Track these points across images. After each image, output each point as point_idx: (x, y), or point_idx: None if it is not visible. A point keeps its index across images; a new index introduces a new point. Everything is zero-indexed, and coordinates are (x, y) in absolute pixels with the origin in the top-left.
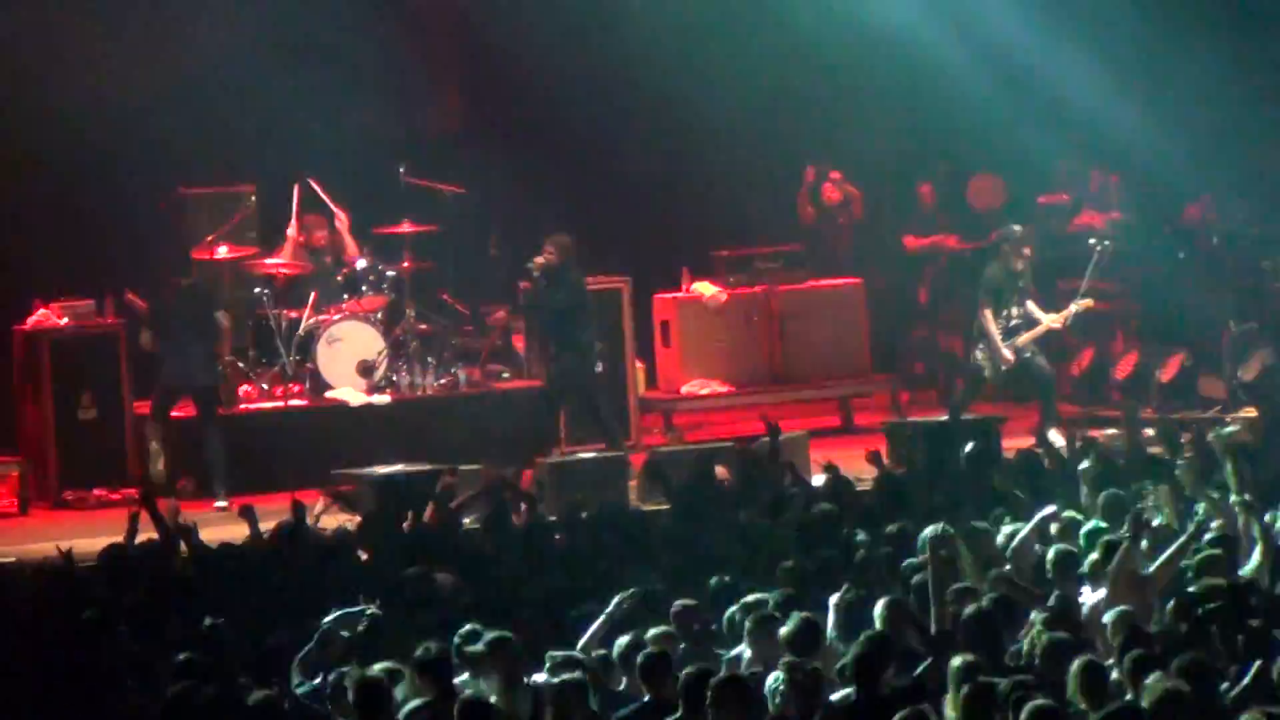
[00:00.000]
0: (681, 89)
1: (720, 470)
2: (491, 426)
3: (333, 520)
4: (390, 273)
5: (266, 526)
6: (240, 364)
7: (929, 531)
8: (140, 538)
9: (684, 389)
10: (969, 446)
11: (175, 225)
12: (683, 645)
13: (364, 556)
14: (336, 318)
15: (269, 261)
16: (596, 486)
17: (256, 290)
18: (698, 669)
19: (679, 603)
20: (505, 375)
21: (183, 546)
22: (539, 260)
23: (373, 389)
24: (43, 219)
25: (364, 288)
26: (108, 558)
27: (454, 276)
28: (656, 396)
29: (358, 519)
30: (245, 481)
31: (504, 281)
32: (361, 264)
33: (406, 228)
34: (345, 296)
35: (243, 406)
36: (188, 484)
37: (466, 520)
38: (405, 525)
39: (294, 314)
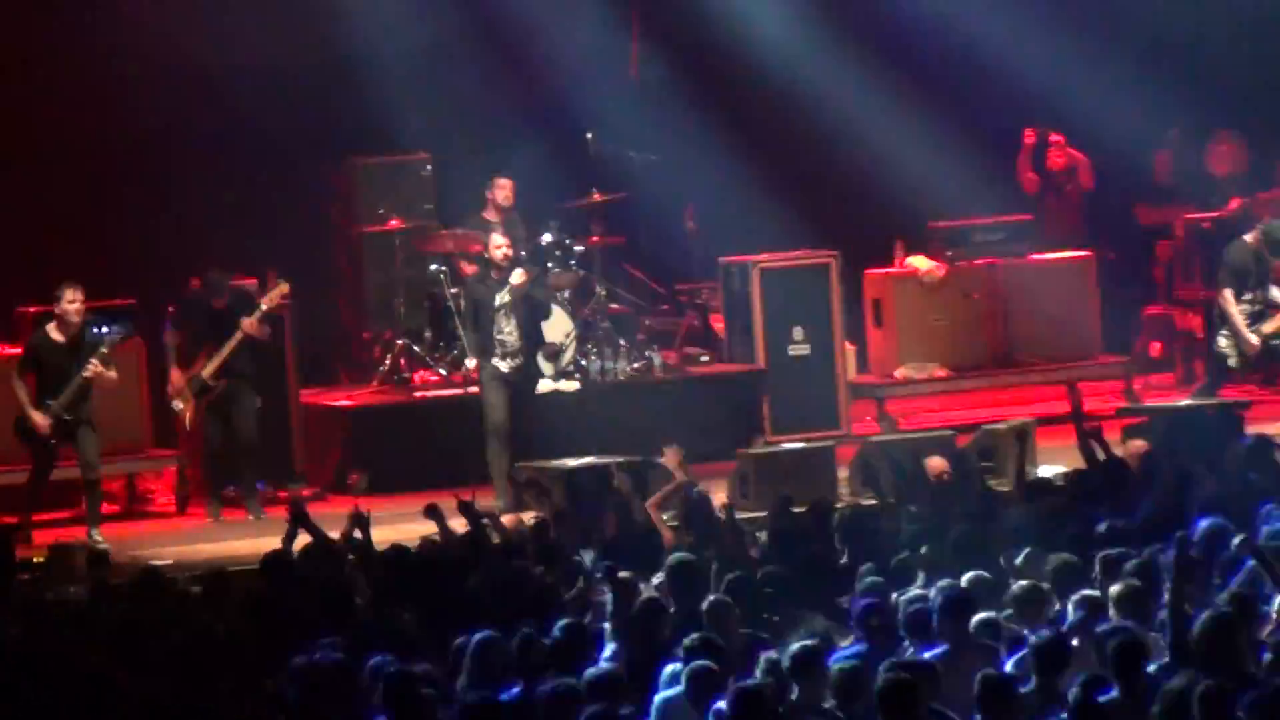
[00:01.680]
0: (892, 42)
1: (938, 462)
2: (689, 415)
3: (514, 518)
4: (578, 248)
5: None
6: (415, 348)
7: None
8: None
9: (898, 373)
10: (1246, 439)
11: (345, 197)
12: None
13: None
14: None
15: (446, 234)
16: (803, 480)
17: (433, 268)
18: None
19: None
20: (704, 359)
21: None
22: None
23: (559, 374)
24: (204, 192)
25: (550, 264)
26: (270, 566)
27: (647, 251)
28: (868, 381)
29: (538, 516)
30: (424, 475)
31: (702, 256)
32: (547, 238)
33: (595, 198)
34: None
35: (419, 394)
36: (360, 479)
37: (665, 516)
38: (604, 525)
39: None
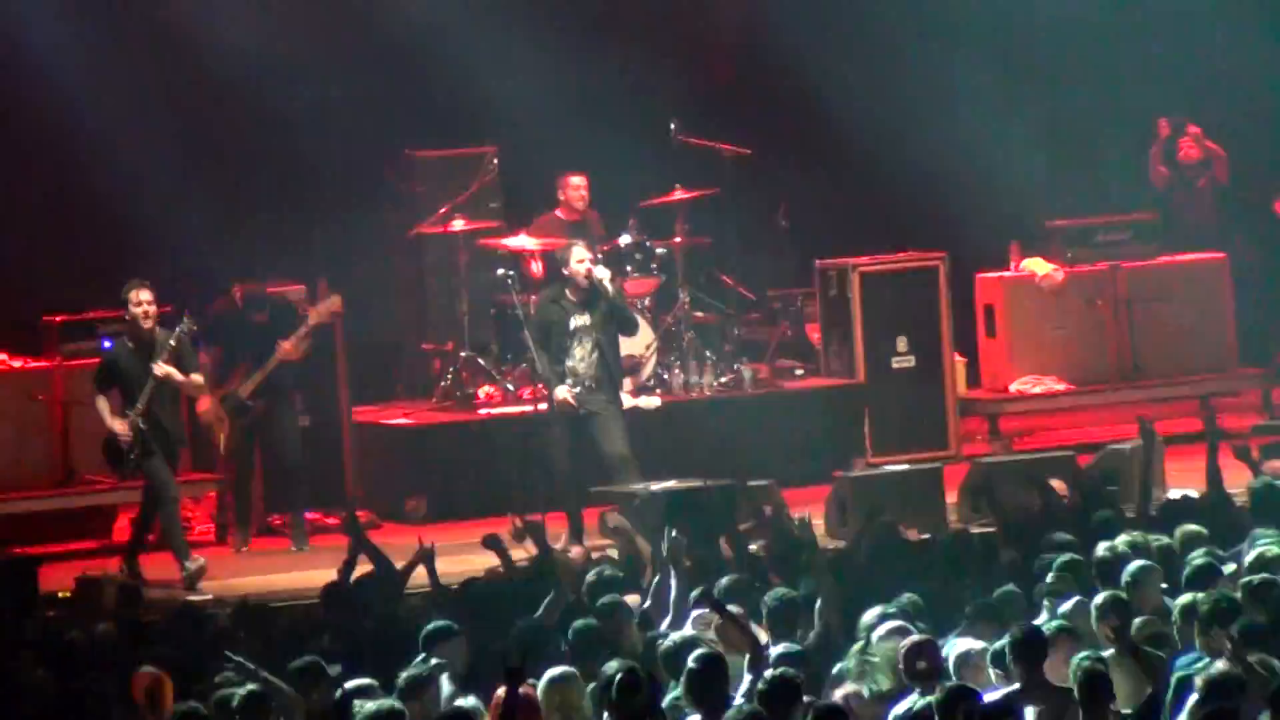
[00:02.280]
0: (1011, 22)
1: (1058, 484)
2: (782, 433)
3: (581, 550)
4: (659, 250)
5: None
6: (480, 360)
7: None
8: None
9: (1012, 387)
10: None
11: (401, 195)
12: None
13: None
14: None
15: (511, 243)
16: (907, 505)
17: (500, 272)
18: None
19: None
20: (799, 373)
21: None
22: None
23: (639, 389)
24: (245, 191)
25: (628, 268)
26: (330, 598)
27: (736, 254)
28: (980, 396)
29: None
30: (490, 500)
31: (796, 259)
32: (625, 240)
33: (679, 195)
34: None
35: (484, 411)
36: (419, 506)
37: (753, 547)
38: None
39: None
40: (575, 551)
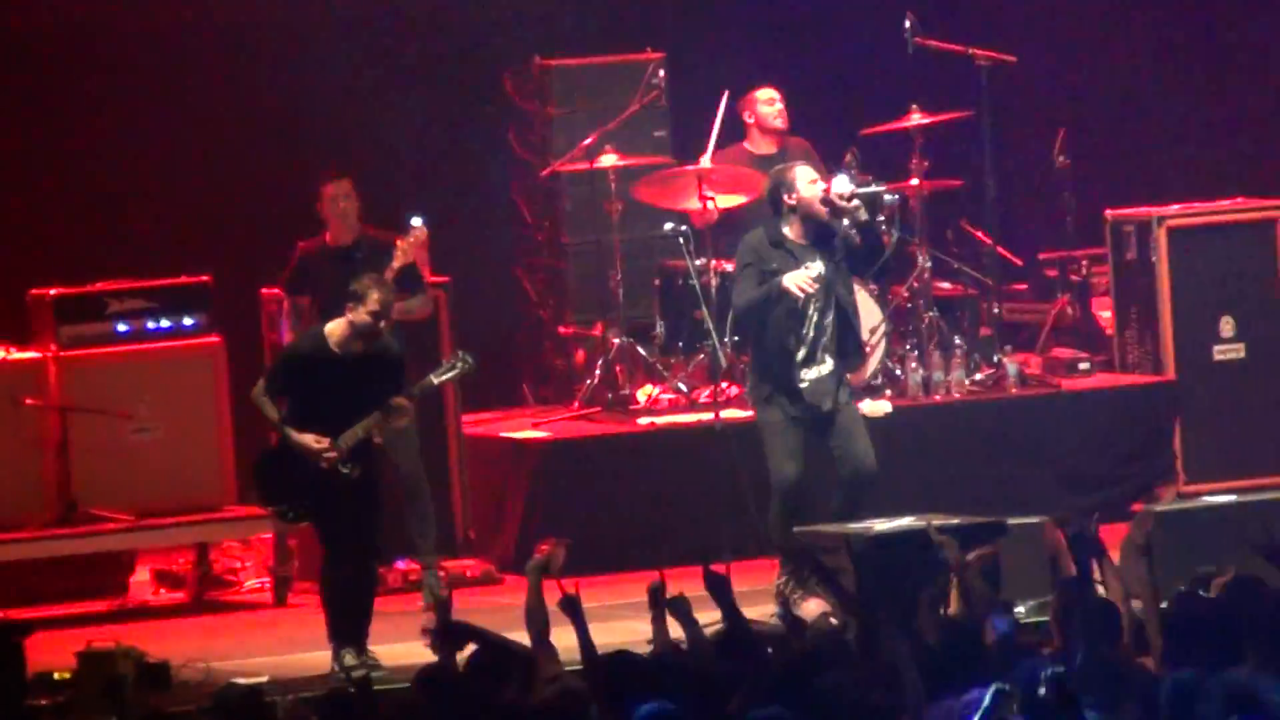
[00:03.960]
0: None
1: None
2: (1061, 450)
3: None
4: (888, 196)
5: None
6: (640, 350)
7: None
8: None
9: None
10: None
11: (532, 119)
12: None
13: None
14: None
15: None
16: (1236, 548)
17: (667, 227)
18: None
19: None
20: (1083, 366)
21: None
22: None
23: (861, 389)
24: (317, 110)
25: (845, 222)
26: (426, 685)
27: (995, 203)
28: None
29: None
30: (652, 544)
31: (1078, 209)
32: (841, 183)
33: (915, 120)
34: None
35: (645, 421)
36: (556, 551)
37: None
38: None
39: (731, 266)
40: (811, 605)
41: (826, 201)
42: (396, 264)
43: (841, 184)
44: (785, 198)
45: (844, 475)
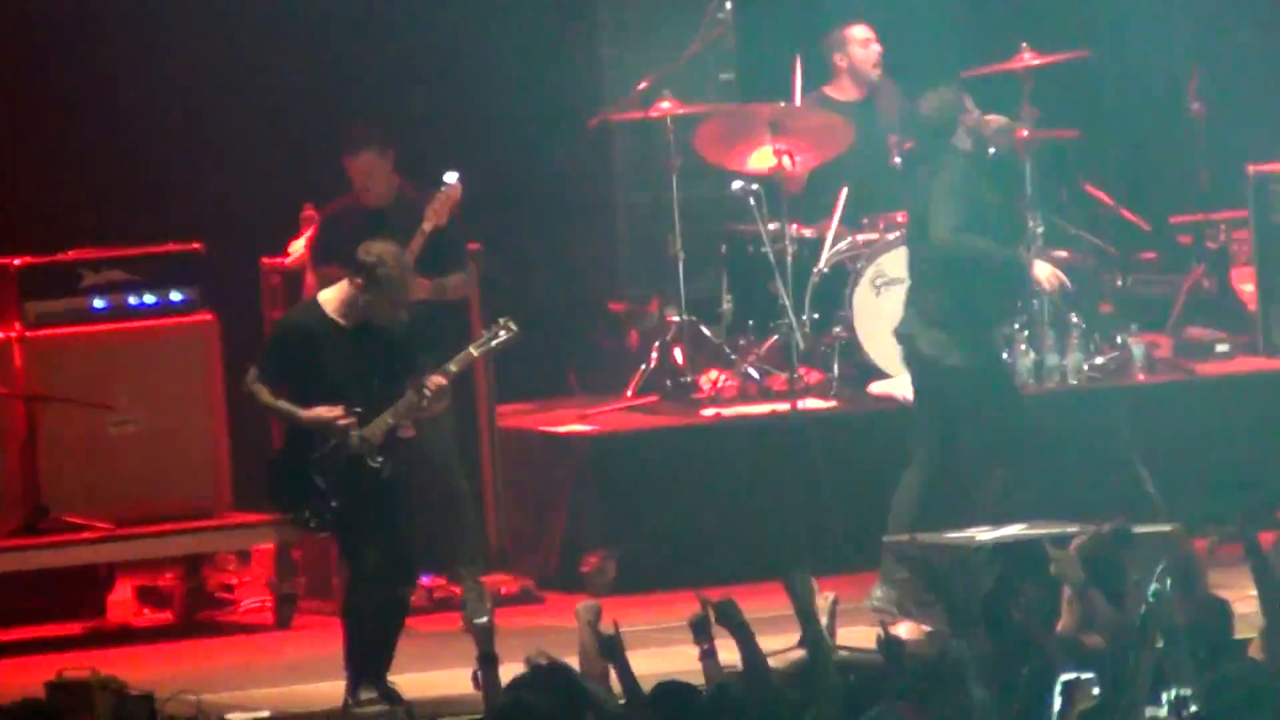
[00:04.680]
0: None
1: None
2: (1199, 447)
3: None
4: (993, 149)
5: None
6: (704, 329)
7: None
8: None
9: None
10: None
11: (574, 56)
12: None
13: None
14: (893, 237)
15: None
16: None
17: (735, 186)
18: None
19: None
20: (1222, 349)
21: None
22: None
23: None
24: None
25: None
26: None
27: (1117, 156)
28: None
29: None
30: (716, 557)
31: (1216, 164)
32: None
33: (1026, 60)
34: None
35: (711, 411)
36: (603, 564)
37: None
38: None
39: (811, 231)
40: (904, 628)
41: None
42: (427, 226)
43: None
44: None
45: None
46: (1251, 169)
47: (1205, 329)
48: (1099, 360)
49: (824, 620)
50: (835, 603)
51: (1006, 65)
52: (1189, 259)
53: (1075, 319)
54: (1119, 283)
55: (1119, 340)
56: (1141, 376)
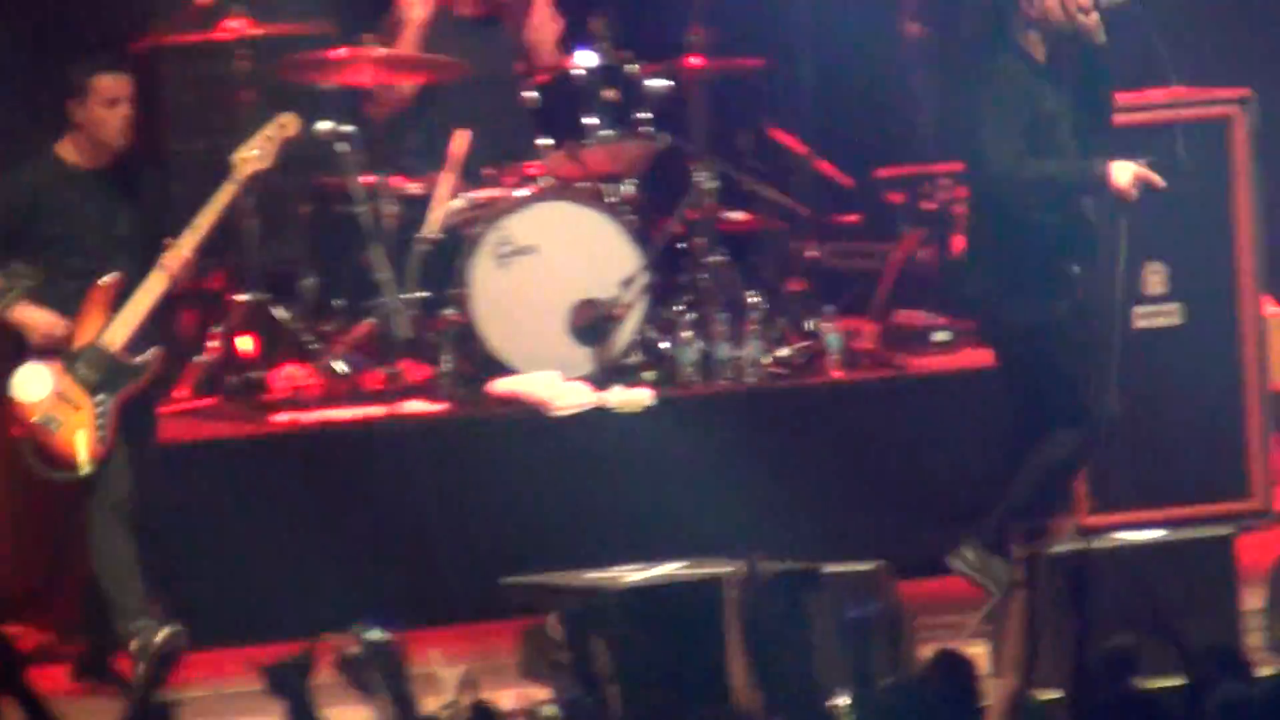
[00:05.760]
0: None
1: None
2: (906, 465)
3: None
4: (652, 83)
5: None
6: (279, 311)
7: None
8: None
9: None
10: None
11: None
12: None
13: None
14: (523, 194)
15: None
16: (1156, 608)
17: (321, 127)
18: None
19: None
20: (940, 337)
21: None
22: None
23: (611, 369)
24: None
25: (595, 121)
26: None
27: (811, 94)
28: None
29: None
30: (301, 597)
31: (939, 105)
32: (587, 57)
33: None
34: (547, 142)
35: (284, 417)
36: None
37: None
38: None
39: (418, 186)
40: (511, 696)
41: (1066, 9)
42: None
43: None
44: (1024, 4)
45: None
46: None
47: (920, 313)
48: (784, 352)
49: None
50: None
51: None
52: (901, 223)
53: (755, 299)
54: (812, 253)
55: (810, 326)
56: (837, 372)
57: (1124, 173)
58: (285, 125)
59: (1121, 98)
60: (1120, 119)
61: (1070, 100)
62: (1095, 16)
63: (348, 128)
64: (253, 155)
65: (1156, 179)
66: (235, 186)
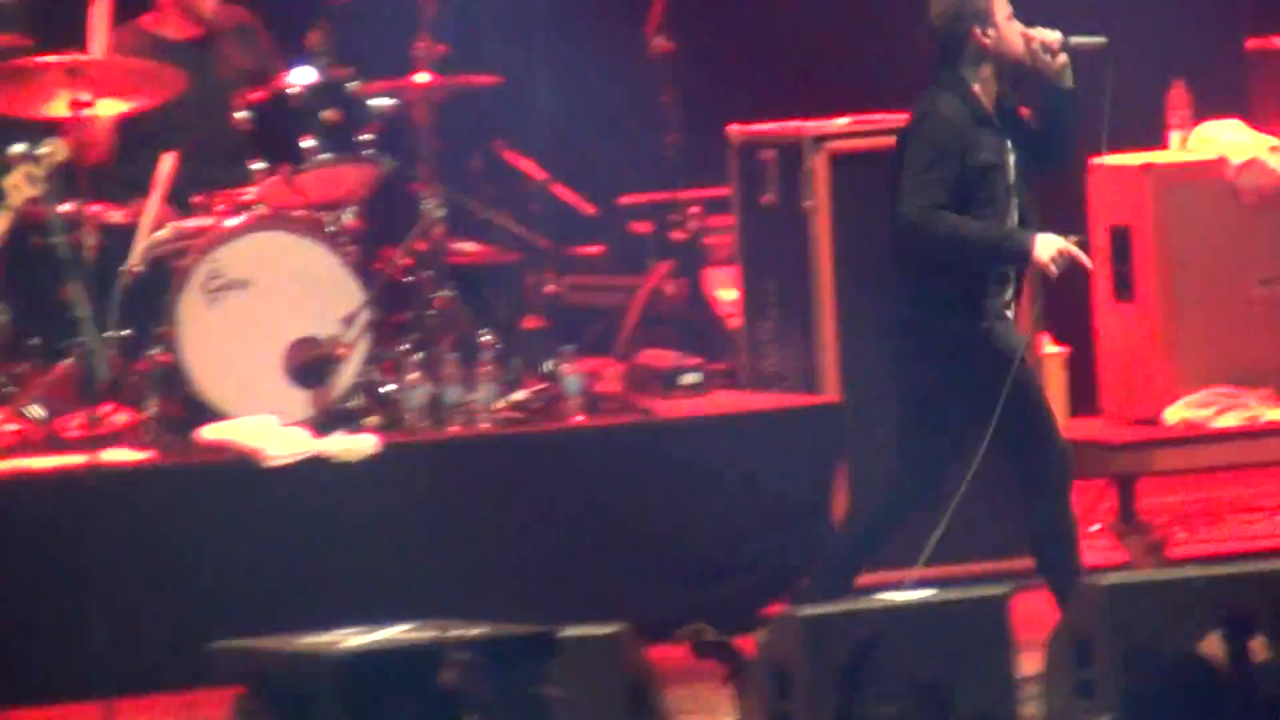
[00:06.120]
0: None
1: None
2: (655, 517)
3: None
4: (377, 101)
5: None
6: None
7: None
8: None
9: (1170, 414)
10: None
11: None
12: None
13: None
14: (235, 224)
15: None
16: (924, 668)
17: (15, 150)
18: None
19: None
20: (691, 380)
21: None
22: None
23: (328, 414)
24: None
25: (313, 143)
26: None
27: (549, 113)
28: (1099, 439)
29: None
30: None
31: (686, 123)
32: (305, 74)
33: None
34: (262, 167)
35: None
36: None
37: None
38: None
39: (121, 215)
40: None
41: (1032, 50)
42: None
43: (1045, 31)
44: (978, 32)
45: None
46: (735, 131)
47: (668, 352)
48: (520, 395)
49: None
50: None
51: None
52: (647, 255)
53: (488, 338)
54: (550, 288)
55: (548, 368)
56: (579, 417)
57: (1049, 248)
58: (54, 152)
59: (887, 119)
60: (884, 142)
61: (1019, 152)
62: (1064, 59)
63: (45, 150)
64: (21, 183)
65: (1084, 258)
66: (10, 214)
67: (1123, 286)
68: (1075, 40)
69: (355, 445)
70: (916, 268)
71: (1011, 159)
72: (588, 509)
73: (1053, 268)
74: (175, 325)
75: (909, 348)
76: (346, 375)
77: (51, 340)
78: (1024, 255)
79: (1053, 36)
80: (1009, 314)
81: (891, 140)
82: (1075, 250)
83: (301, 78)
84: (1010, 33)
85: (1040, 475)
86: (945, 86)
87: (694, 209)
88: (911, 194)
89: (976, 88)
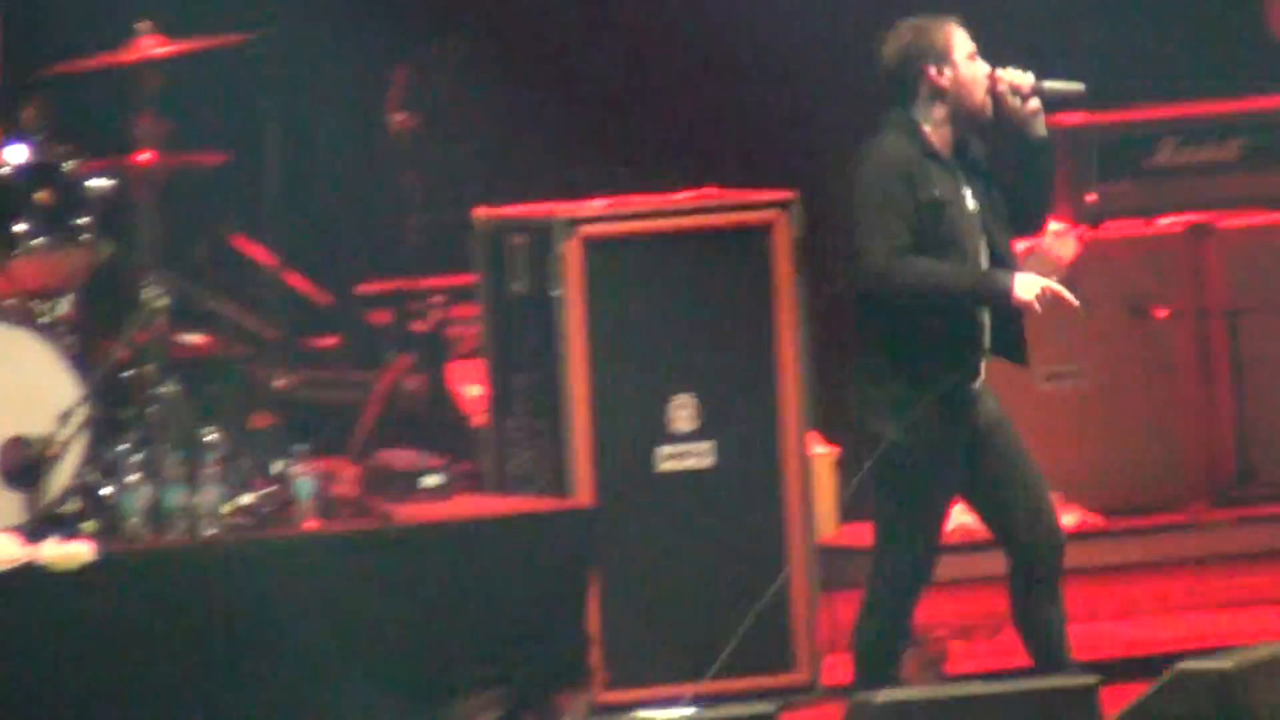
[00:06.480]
0: None
1: None
2: (391, 630)
3: None
4: (96, 184)
5: None
6: None
7: None
8: None
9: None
10: None
11: None
12: None
13: None
14: None
15: None
16: None
17: None
18: None
19: None
20: (433, 482)
21: None
22: None
23: (44, 519)
24: None
25: (26, 227)
26: None
27: (281, 195)
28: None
29: None
30: None
31: (431, 205)
32: (17, 152)
33: (146, 46)
34: None
35: None
36: None
37: None
38: None
39: None
40: None
41: (993, 93)
42: None
43: (1017, 74)
44: (932, 72)
45: (1023, 539)
46: (481, 213)
47: (408, 452)
48: (248, 498)
49: None
50: None
51: (112, 58)
52: (386, 348)
53: (213, 436)
54: (281, 383)
55: (278, 470)
56: (312, 522)
57: (1031, 287)
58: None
59: (645, 201)
60: (641, 225)
61: (981, 199)
62: (1035, 105)
63: None
64: None
65: (1069, 297)
66: None
67: None
68: (1049, 85)
69: (70, 553)
70: (876, 339)
71: (968, 195)
72: (321, 621)
73: (1037, 306)
74: None
75: (872, 418)
76: (61, 477)
77: None
78: (1004, 295)
79: (1024, 79)
80: (974, 385)
81: (653, 224)
82: (1059, 288)
83: (13, 156)
84: (971, 73)
85: (874, 588)
86: (892, 127)
87: (437, 298)
88: (870, 241)
89: (928, 129)
